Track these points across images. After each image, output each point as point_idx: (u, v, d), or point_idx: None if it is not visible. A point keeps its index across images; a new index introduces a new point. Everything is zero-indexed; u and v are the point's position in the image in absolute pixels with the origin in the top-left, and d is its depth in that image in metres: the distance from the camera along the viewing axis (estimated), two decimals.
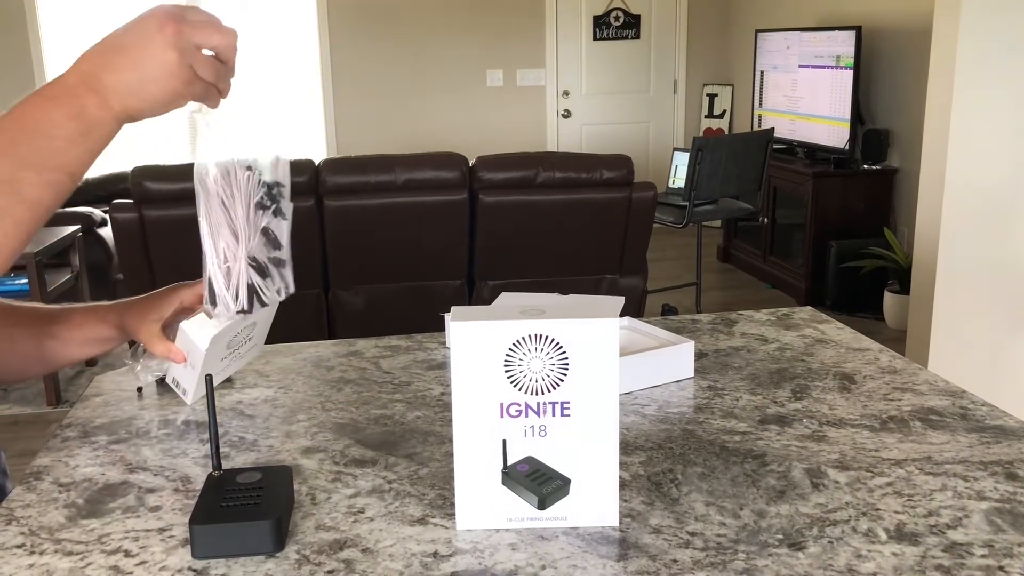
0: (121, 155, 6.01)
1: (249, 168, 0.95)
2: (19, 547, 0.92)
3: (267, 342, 1.53)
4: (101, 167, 5.78)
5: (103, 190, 5.36)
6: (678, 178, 5.01)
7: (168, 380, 1.20)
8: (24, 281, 3.60)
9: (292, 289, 1.03)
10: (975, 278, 3.29)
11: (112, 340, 1.19)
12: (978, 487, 0.99)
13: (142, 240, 3.25)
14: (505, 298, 1.44)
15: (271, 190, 0.97)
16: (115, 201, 3.30)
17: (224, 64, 0.86)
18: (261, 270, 0.98)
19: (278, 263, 1.00)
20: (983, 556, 0.86)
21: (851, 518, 0.93)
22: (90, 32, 5.95)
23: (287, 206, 0.99)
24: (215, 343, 1.06)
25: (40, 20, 5.90)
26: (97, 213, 4.52)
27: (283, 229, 0.98)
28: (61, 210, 4.25)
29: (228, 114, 0.90)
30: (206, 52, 0.85)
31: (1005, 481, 1.00)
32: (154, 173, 3.26)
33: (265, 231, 0.97)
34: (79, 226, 4.07)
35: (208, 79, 0.84)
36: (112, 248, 4.35)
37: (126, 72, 0.81)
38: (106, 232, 4.45)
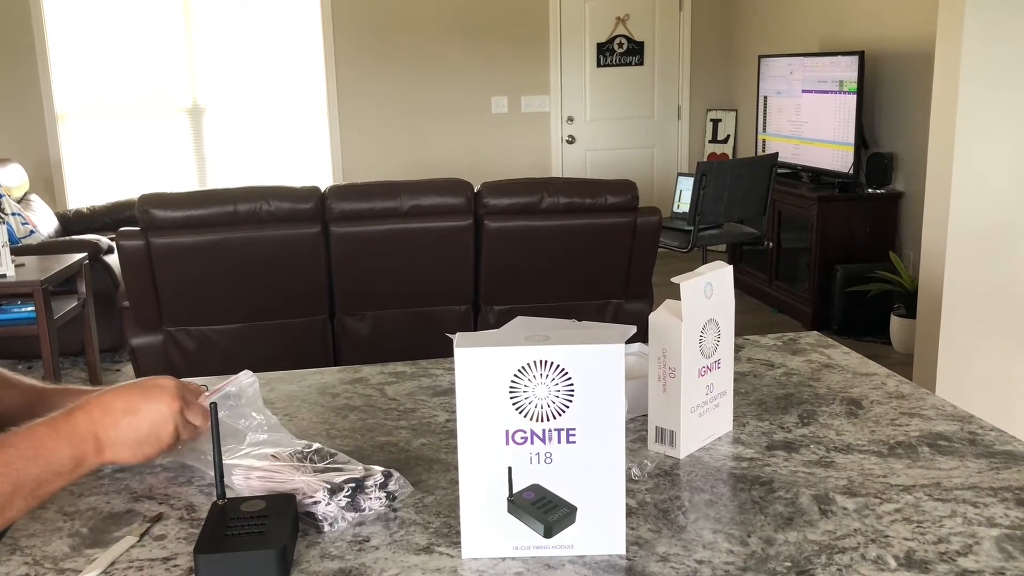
0: (127, 183, 6.05)
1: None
2: None
3: (272, 368, 1.53)
4: (108, 195, 5.82)
5: (109, 217, 5.39)
6: (682, 203, 5.02)
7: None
8: (31, 309, 3.61)
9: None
10: (982, 301, 3.28)
11: None
12: (988, 513, 0.98)
13: (148, 267, 3.26)
14: (519, 322, 1.44)
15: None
16: (121, 228, 3.31)
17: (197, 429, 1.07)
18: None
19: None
20: None
21: (860, 545, 0.92)
22: (94, 34, 6.01)
23: None
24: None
25: (46, 23, 5.96)
26: (104, 240, 4.54)
27: None
28: (68, 238, 4.24)
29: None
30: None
31: (1015, 507, 0.99)
32: (160, 200, 3.27)
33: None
34: (86, 253, 4.08)
35: (185, 439, 1.06)
36: (119, 276, 4.36)
37: (128, 432, 0.99)
38: (112, 259, 4.46)
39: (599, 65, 6.66)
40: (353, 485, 1.00)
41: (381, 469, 1.04)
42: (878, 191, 4.89)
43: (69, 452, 0.95)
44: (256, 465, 1.05)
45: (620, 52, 6.67)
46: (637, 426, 1.24)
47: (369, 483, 1.01)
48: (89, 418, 0.98)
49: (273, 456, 1.06)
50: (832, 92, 5.05)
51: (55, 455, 0.94)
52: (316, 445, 1.10)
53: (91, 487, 1.11)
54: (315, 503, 0.98)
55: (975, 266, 3.25)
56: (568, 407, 0.90)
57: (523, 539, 0.92)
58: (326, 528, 0.98)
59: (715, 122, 6.82)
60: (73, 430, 0.96)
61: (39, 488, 0.94)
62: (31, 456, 0.93)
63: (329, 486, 0.99)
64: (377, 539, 0.96)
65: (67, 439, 0.96)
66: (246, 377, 1.17)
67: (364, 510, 1.00)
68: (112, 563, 0.93)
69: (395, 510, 1.02)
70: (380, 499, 1.02)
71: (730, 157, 6.66)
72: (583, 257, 3.52)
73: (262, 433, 1.12)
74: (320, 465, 1.05)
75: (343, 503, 0.98)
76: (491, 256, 3.48)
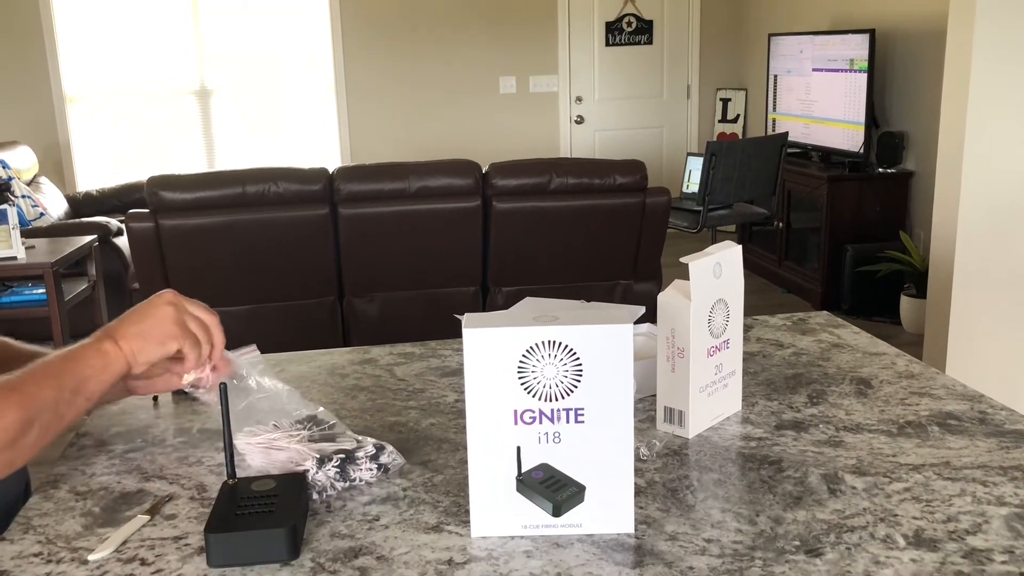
0: (136, 165, 6.06)
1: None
2: (36, 555, 0.92)
3: (282, 350, 1.54)
4: (117, 177, 5.83)
5: (119, 200, 5.40)
6: (692, 183, 5.00)
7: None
8: (41, 291, 3.63)
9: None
10: (992, 281, 3.26)
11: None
12: (997, 492, 0.98)
13: (158, 249, 3.27)
14: (528, 302, 1.44)
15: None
16: (131, 211, 3.32)
17: (210, 330, 1.12)
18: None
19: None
20: (1003, 562, 0.85)
21: (869, 524, 0.92)
22: (102, 17, 6.00)
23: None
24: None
25: (53, 6, 5.95)
26: (113, 223, 4.55)
27: None
28: (78, 220, 4.24)
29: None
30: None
31: None
32: (169, 182, 3.28)
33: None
34: (95, 236, 4.09)
35: (195, 332, 1.10)
36: (128, 257, 4.38)
37: (134, 324, 1.08)
38: (122, 241, 4.47)
39: (608, 44, 6.62)
40: (343, 456, 1.03)
41: (373, 441, 1.07)
42: (889, 170, 4.86)
43: (93, 349, 1.04)
44: (257, 431, 1.08)
45: (629, 31, 6.62)
46: (646, 406, 1.24)
47: (360, 454, 1.04)
48: (104, 329, 1.08)
49: (275, 425, 1.10)
50: (843, 71, 5.01)
51: (82, 354, 1.03)
52: (320, 409, 1.14)
53: (103, 467, 1.12)
54: (304, 471, 1.01)
55: (986, 245, 3.24)
56: (577, 387, 0.90)
57: (532, 518, 0.92)
58: (314, 496, 1.00)
59: (725, 101, 6.78)
60: (93, 340, 1.06)
61: (82, 384, 1.02)
62: (66, 359, 1.03)
63: (318, 455, 1.02)
64: (387, 518, 0.97)
65: (85, 345, 1.05)
66: (248, 354, 1.19)
67: (354, 480, 1.03)
68: (124, 542, 0.93)
69: (405, 491, 1.03)
70: (371, 470, 1.05)
71: (740, 137, 6.63)
72: (592, 238, 3.51)
73: (267, 394, 1.14)
74: (317, 433, 1.08)
75: (331, 472, 1.02)
76: (500, 237, 3.48)
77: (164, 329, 1.08)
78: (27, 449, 0.98)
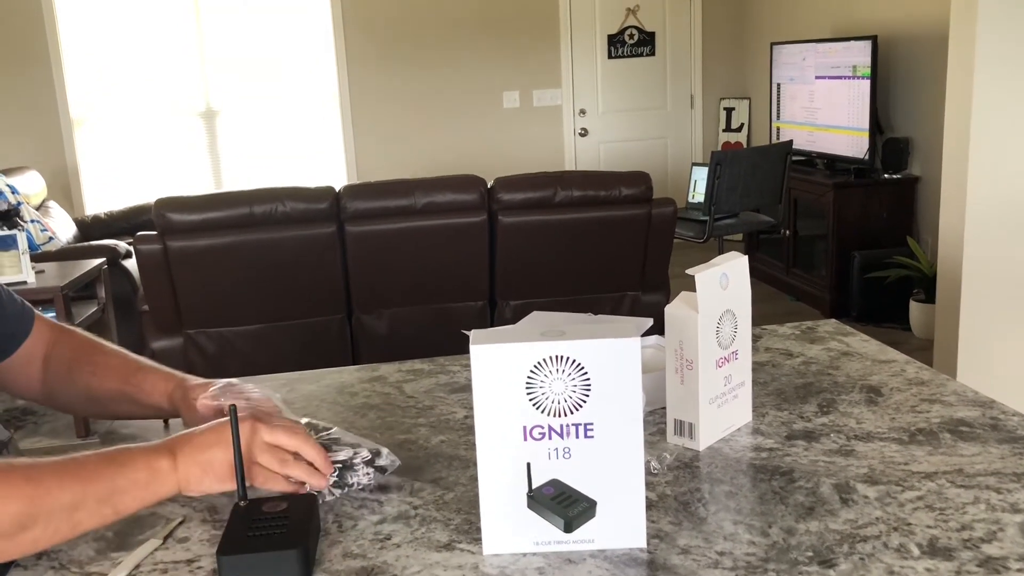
0: (144, 187, 6.09)
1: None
2: None
3: (291, 369, 1.54)
4: (125, 200, 5.86)
5: (127, 222, 5.42)
6: (697, 193, 5.01)
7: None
8: (52, 315, 3.64)
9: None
10: (1001, 285, 3.25)
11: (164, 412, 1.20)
12: (1012, 499, 0.97)
13: (167, 271, 3.28)
14: (535, 316, 1.44)
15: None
16: (139, 233, 3.34)
17: (301, 457, 1.02)
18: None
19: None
20: (1019, 570, 0.85)
21: (882, 533, 0.92)
22: (107, 40, 6.05)
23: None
24: None
25: (59, 30, 6.00)
26: (122, 245, 4.57)
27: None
28: (87, 243, 4.26)
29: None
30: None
31: None
32: (177, 204, 3.29)
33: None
34: (104, 259, 4.11)
35: (269, 467, 1.00)
36: (137, 280, 4.39)
37: (202, 450, 0.97)
38: (131, 264, 4.49)
39: (610, 57, 6.64)
40: (340, 465, 1.05)
41: (369, 446, 1.09)
42: (894, 176, 4.85)
43: (144, 459, 0.95)
44: None
45: (631, 43, 6.64)
46: (656, 419, 1.24)
47: (357, 461, 1.07)
48: (170, 439, 0.99)
49: None
50: (846, 78, 5.01)
51: (130, 460, 0.95)
52: (305, 419, 1.15)
53: None
54: (314, 492, 1.02)
55: (994, 249, 3.22)
56: (585, 402, 0.90)
57: (543, 534, 0.92)
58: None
59: (728, 111, 6.78)
60: (152, 446, 0.98)
61: (114, 495, 0.92)
62: (107, 461, 0.94)
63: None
64: (399, 537, 0.97)
65: (143, 450, 0.97)
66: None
67: (352, 485, 1.06)
68: (137, 566, 0.94)
69: (416, 509, 1.03)
70: (368, 474, 1.07)
71: (744, 146, 6.63)
72: (599, 250, 3.51)
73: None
74: (320, 441, 1.09)
75: (332, 481, 1.04)
76: (506, 251, 3.48)
77: (229, 466, 0.97)
78: (24, 546, 0.89)
